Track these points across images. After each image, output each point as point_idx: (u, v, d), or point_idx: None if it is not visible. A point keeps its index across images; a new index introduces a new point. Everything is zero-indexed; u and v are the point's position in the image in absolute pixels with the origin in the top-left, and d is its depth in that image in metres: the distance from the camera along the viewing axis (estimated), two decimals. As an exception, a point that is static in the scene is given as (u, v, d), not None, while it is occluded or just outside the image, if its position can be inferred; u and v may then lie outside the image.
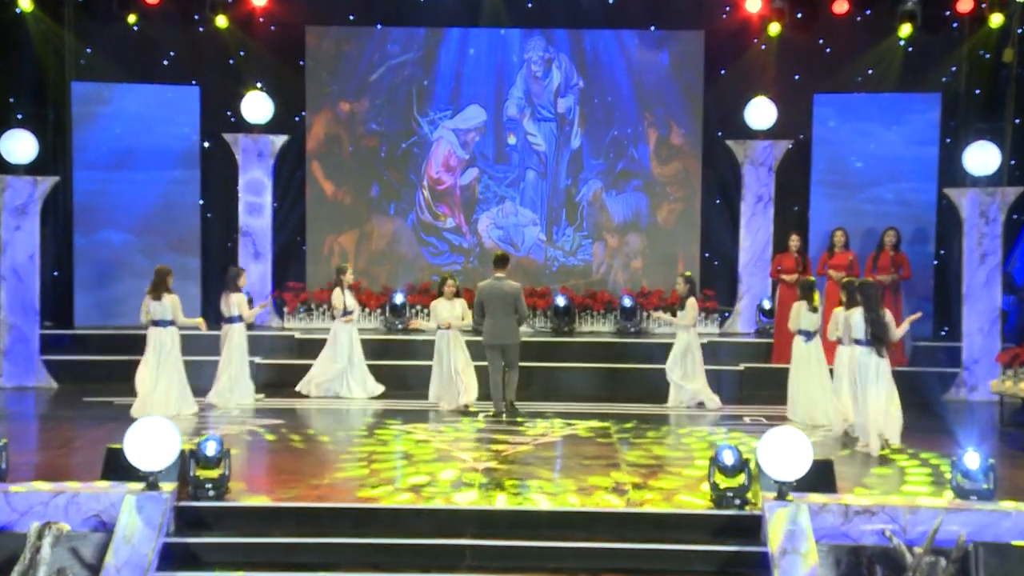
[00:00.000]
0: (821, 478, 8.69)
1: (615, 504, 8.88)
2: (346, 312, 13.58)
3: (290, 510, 8.68)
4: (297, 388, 13.58)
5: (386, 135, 16.67)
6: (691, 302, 12.95)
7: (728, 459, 8.70)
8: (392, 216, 16.75)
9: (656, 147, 16.57)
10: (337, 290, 13.64)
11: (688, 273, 13.46)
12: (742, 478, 8.69)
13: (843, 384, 11.36)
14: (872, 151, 15.94)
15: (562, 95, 16.60)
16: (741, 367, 14.40)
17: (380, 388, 13.66)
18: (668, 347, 13.54)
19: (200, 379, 13.08)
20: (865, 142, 15.96)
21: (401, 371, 14.16)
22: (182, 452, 8.57)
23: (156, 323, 12.26)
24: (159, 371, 12.19)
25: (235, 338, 12.97)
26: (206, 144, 16.31)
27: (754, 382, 14.10)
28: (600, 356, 14.78)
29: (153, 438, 8.33)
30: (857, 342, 10.96)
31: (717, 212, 16.60)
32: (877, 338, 10.82)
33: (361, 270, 16.53)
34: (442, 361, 12.82)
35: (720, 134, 16.23)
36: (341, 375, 13.55)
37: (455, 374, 12.74)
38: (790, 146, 15.59)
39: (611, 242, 16.67)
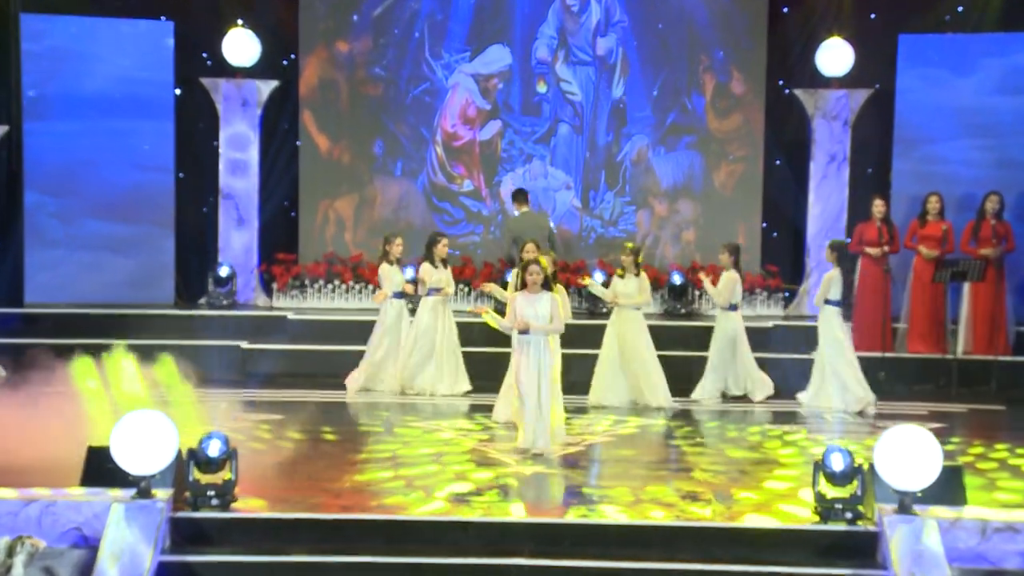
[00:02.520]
0: (949, 488, 8.33)
1: (699, 517, 8.58)
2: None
3: (309, 522, 8.36)
4: None
5: (392, 81, 16.42)
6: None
7: (837, 464, 8.33)
8: (398, 178, 16.52)
9: (713, 97, 16.34)
10: None
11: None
12: (854, 487, 8.35)
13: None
14: (966, 102, 15.55)
15: (602, 34, 16.33)
16: (812, 355, 13.99)
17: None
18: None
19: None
20: (958, 92, 15.58)
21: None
22: (179, 452, 8.25)
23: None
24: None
25: (382, 317, 13.39)
26: (179, 91, 16.04)
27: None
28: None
29: (145, 436, 7.98)
30: (829, 303, 12.56)
31: (782, 174, 16.35)
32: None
33: (361, 241, 16.40)
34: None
35: (781, 82, 16.06)
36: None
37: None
38: (869, 95, 15.38)
39: (658, 209, 16.46)
